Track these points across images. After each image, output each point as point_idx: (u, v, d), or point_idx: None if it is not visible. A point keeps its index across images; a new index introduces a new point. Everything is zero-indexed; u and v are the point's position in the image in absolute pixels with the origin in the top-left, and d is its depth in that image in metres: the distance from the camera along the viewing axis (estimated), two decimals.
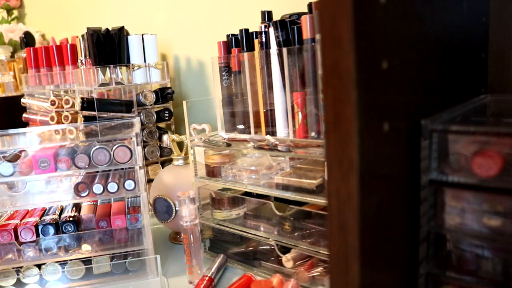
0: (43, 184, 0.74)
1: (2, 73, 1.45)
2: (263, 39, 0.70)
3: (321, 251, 0.60)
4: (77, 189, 0.68)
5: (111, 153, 0.68)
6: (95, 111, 0.92)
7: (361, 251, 0.28)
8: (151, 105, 0.98)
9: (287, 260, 0.66)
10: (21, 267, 0.69)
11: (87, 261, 0.70)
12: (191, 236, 0.68)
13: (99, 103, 0.92)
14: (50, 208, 0.78)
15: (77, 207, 0.78)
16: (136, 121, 0.78)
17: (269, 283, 0.61)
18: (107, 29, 0.97)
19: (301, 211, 0.65)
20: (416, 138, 0.35)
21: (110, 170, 0.74)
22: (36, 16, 1.75)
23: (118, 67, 0.95)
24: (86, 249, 0.70)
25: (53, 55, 1.13)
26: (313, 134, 0.65)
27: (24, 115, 1.25)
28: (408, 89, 0.34)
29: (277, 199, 0.69)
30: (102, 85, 0.93)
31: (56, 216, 0.73)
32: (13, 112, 1.30)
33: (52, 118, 1.04)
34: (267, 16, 0.73)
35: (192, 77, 1.13)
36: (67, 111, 1.01)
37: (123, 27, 0.97)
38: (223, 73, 0.78)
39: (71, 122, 0.99)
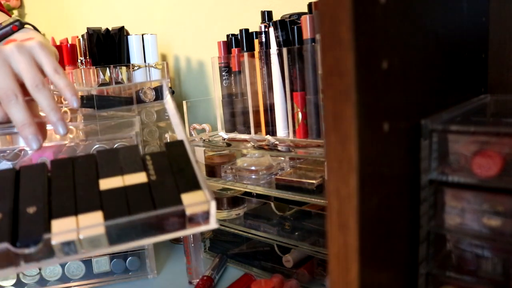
0: None
1: None
2: (263, 39, 0.70)
3: (321, 251, 0.60)
4: None
5: None
6: (95, 107, 0.92)
7: (361, 251, 0.28)
8: (150, 102, 0.97)
9: (287, 260, 0.66)
10: None
11: (87, 261, 0.70)
12: (191, 236, 0.68)
13: (98, 99, 0.92)
14: None
15: None
16: (136, 120, 0.78)
17: (269, 283, 0.61)
18: (107, 29, 0.97)
19: (301, 211, 0.65)
20: (416, 138, 0.35)
21: None
22: (36, 16, 1.75)
23: (118, 67, 0.95)
24: None
25: None
26: (313, 134, 0.65)
27: None
28: (408, 89, 0.34)
29: (277, 199, 0.69)
30: (102, 85, 0.93)
31: None
32: None
33: None
34: (267, 16, 0.73)
35: (192, 77, 1.13)
36: (65, 107, 1.00)
37: (123, 27, 0.97)
38: (223, 73, 0.78)
39: (70, 120, 0.99)
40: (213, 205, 0.38)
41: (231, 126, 0.78)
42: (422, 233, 0.36)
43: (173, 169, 0.41)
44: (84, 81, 0.97)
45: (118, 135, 0.73)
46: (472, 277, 0.35)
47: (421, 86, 0.37)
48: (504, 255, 0.34)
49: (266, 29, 0.69)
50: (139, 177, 0.40)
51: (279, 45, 0.67)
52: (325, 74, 0.28)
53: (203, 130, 0.78)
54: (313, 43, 0.62)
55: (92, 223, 0.36)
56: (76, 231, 0.35)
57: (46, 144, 0.72)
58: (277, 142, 0.67)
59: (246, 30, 0.75)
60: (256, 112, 0.73)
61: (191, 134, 0.78)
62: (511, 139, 0.33)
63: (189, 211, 0.37)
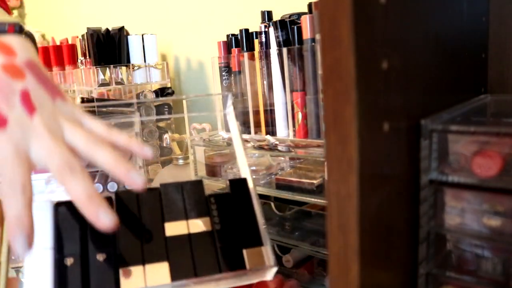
0: (43, 184, 0.74)
1: None
2: (263, 39, 0.70)
3: (321, 251, 0.60)
4: None
5: None
6: (95, 108, 0.92)
7: (361, 251, 0.28)
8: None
9: (287, 260, 0.66)
10: (20, 266, 0.69)
11: None
12: None
13: (98, 102, 0.92)
14: None
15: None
16: (136, 120, 0.78)
17: (269, 283, 0.61)
18: (107, 29, 0.97)
19: (301, 211, 0.65)
20: (416, 138, 0.35)
21: None
22: (36, 16, 1.75)
23: (118, 67, 0.95)
24: None
25: (54, 55, 1.13)
26: (313, 134, 0.65)
27: None
28: (408, 89, 0.34)
29: (277, 199, 0.69)
30: (102, 85, 0.93)
31: None
32: None
33: None
34: (267, 16, 0.73)
35: (192, 77, 1.13)
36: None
37: (123, 27, 0.97)
38: (223, 73, 0.78)
39: None
40: (274, 270, 0.40)
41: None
42: (422, 233, 0.36)
43: (236, 216, 0.43)
44: (84, 81, 0.97)
45: None
46: (472, 277, 0.35)
47: (421, 86, 0.37)
48: (504, 255, 0.34)
49: (266, 29, 0.69)
50: (204, 224, 0.42)
51: (279, 45, 0.67)
52: (325, 74, 0.28)
53: (203, 129, 0.78)
54: (313, 43, 0.62)
55: (158, 277, 0.37)
56: (143, 284, 0.37)
57: None
58: (277, 142, 0.67)
59: (246, 30, 0.75)
60: (256, 112, 0.73)
61: (191, 134, 0.78)
62: (511, 139, 0.33)
63: (250, 270, 0.40)
